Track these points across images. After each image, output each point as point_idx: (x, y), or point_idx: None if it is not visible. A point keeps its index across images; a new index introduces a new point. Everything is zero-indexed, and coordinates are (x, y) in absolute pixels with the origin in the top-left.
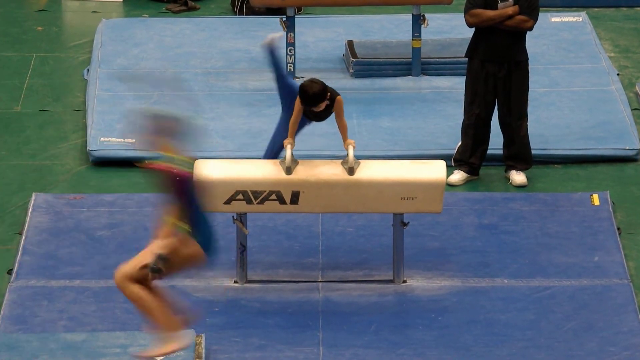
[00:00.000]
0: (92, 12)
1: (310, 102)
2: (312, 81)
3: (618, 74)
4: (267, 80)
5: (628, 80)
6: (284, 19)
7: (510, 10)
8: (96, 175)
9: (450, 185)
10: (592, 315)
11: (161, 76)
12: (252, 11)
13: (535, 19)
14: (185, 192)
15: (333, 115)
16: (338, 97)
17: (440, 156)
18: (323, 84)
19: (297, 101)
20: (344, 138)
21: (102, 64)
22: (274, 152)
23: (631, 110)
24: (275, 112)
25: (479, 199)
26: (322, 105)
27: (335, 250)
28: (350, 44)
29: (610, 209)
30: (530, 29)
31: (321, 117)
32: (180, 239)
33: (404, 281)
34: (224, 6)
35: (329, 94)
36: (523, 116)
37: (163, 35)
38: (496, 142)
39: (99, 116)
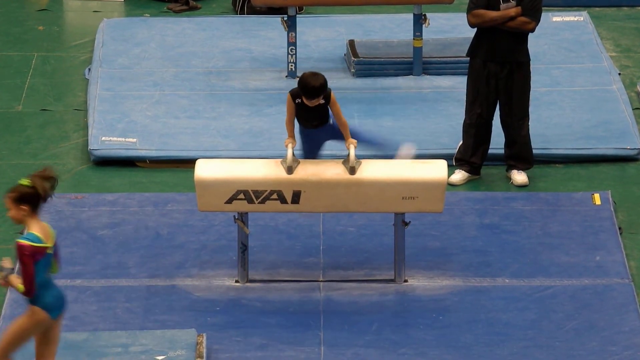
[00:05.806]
0: (94, 11)
1: (311, 93)
2: (314, 73)
3: (619, 74)
4: (268, 80)
5: (629, 79)
6: (285, 19)
7: (513, 11)
8: (97, 174)
9: (451, 185)
10: (594, 314)
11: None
12: (254, 10)
13: (538, 20)
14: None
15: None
16: (331, 91)
17: (442, 156)
18: (324, 77)
19: (288, 99)
20: (346, 137)
21: (104, 63)
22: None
23: (632, 109)
24: (275, 112)
25: (480, 199)
26: (319, 100)
27: (337, 249)
28: (351, 43)
29: (612, 209)
30: (532, 30)
31: (315, 117)
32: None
33: (405, 281)
34: (226, 5)
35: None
36: (524, 116)
37: (164, 35)
38: (497, 141)
39: (100, 116)
